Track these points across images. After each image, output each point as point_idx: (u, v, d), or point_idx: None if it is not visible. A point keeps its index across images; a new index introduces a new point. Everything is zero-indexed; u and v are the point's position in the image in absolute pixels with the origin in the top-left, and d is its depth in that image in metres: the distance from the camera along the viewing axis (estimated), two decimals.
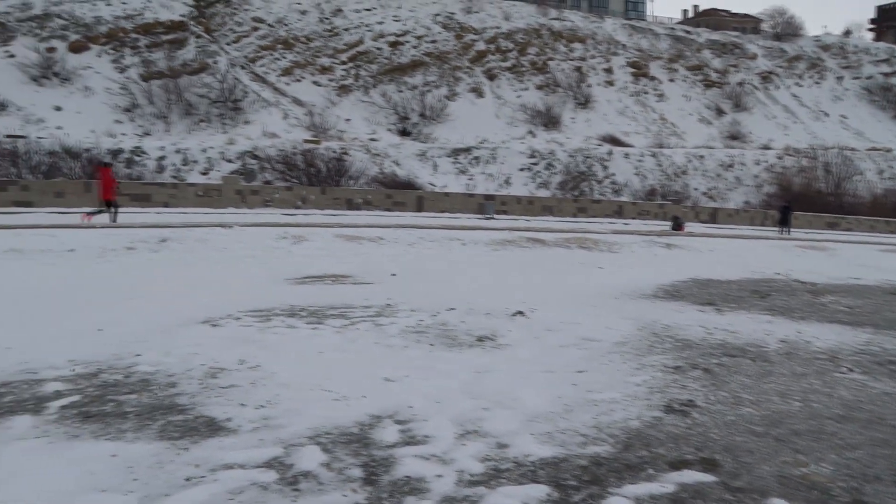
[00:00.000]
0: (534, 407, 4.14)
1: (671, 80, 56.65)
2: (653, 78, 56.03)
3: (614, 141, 46.44)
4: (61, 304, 7.88)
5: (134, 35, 38.42)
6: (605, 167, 40.79)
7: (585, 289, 9.72)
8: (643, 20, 71.36)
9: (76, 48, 36.05)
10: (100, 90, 34.59)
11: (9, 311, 7.31)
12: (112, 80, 35.41)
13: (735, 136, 51.30)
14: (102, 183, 17.83)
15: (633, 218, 32.98)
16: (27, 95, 32.58)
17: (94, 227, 14.93)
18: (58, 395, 4.33)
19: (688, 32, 65.23)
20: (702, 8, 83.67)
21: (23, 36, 35.33)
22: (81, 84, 34.47)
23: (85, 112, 32.90)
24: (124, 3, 40.15)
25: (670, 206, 35.11)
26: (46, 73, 33.86)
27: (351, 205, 27.76)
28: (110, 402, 4.14)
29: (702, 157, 44.25)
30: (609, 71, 54.61)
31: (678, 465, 3.30)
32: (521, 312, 7.21)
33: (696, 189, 41.59)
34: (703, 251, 17.37)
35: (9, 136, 26.92)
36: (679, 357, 5.56)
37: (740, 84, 56.76)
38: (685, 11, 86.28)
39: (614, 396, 4.39)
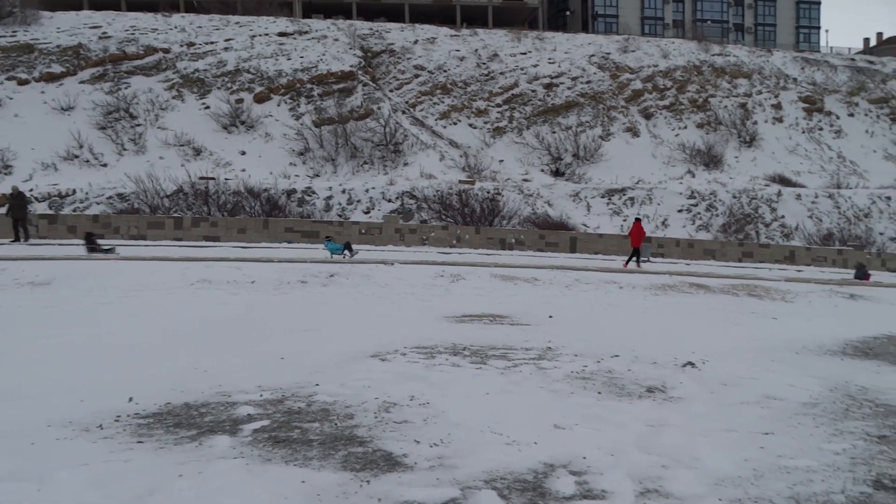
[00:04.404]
0: (718, 469, 3.86)
1: (850, 115, 51.95)
2: (829, 113, 51.75)
3: (784, 181, 43.15)
4: (245, 331, 8.61)
5: (309, 85, 41.90)
6: (774, 209, 37.97)
7: (760, 341, 9.02)
8: (817, 52, 66.43)
9: (260, 99, 39.96)
10: (278, 136, 37.96)
11: (201, 336, 8.10)
12: (288, 126, 38.75)
13: None
14: (635, 233, 21.24)
15: (807, 265, 30.31)
16: (218, 142, 36.52)
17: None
18: (250, 418, 4.68)
19: (871, 63, 59.71)
20: (886, 35, 76.45)
21: (217, 90, 39.80)
22: (263, 131, 38.06)
23: (265, 156, 36.24)
24: (302, 58, 43.98)
25: (851, 253, 31.85)
26: (234, 121, 37.81)
27: (504, 244, 28.00)
28: (296, 429, 4.41)
29: (888, 198, 39.88)
30: (778, 107, 51.21)
31: None
32: (691, 363, 6.82)
33: (881, 234, 37.44)
34: (895, 304, 15.53)
35: (202, 178, 30.24)
36: (883, 425, 4.95)
37: None
38: (867, 40, 78.95)
39: (810, 464, 3.99)
